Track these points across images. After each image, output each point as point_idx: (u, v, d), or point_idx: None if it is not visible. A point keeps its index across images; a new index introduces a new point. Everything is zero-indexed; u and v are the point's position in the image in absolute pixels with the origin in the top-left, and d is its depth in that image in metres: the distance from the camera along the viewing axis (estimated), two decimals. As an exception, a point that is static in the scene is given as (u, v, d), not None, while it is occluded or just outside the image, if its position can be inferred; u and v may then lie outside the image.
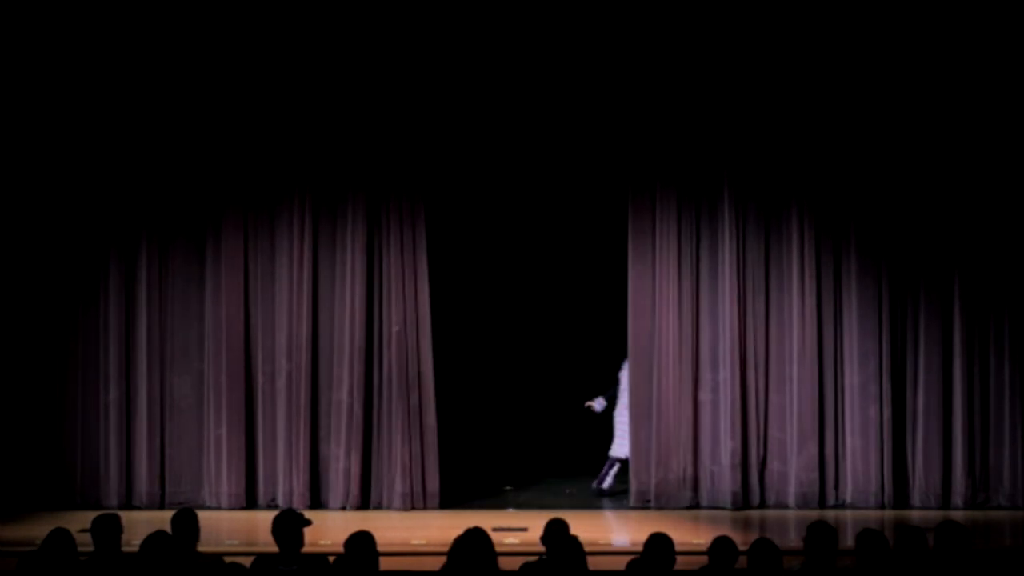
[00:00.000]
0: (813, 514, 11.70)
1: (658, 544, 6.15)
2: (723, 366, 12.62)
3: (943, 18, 12.33)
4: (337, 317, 12.63)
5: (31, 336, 12.60)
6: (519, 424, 15.33)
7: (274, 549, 6.73)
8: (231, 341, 12.58)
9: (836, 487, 12.64)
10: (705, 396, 12.70)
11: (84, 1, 12.29)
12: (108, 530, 6.68)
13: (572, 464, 14.36)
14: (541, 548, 6.71)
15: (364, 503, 12.47)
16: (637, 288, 12.74)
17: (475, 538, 5.84)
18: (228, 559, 6.35)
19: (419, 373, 12.54)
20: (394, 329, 12.53)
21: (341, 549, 6.26)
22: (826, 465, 12.61)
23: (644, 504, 12.59)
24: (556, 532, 6.68)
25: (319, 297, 12.70)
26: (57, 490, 12.44)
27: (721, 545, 6.23)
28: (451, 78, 12.61)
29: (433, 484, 12.54)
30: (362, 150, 12.69)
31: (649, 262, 12.72)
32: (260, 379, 12.65)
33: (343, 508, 12.42)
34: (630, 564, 6.25)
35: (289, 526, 6.68)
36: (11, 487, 12.32)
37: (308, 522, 6.80)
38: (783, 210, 12.78)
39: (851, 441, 12.62)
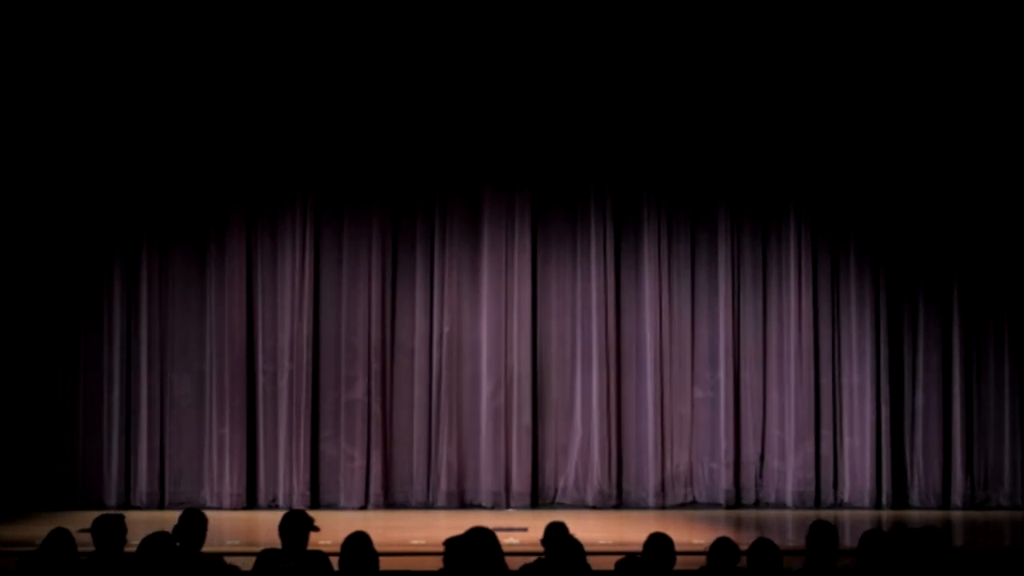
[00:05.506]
0: (811, 513, 11.72)
1: (658, 544, 6.13)
2: (720, 365, 12.67)
3: (941, 19, 12.34)
4: (347, 317, 12.68)
5: (34, 336, 12.62)
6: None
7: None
8: (233, 340, 12.61)
9: (835, 486, 12.66)
10: (702, 395, 12.74)
11: (87, 3, 12.31)
12: (111, 532, 6.65)
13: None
14: (541, 549, 6.70)
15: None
16: (635, 288, 12.80)
17: (480, 538, 5.72)
18: (228, 559, 6.34)
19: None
20: (445, 329, 12.63)
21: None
22: (824, 464, 12.64)
23: (641, 503, 12.64)
24: (556, 535, 6.66)
25: (321, 297, 12.74)
26: (57, 490, 12.45)
27: (721, 547, 6.20)
28: (455, 82, 12.66)
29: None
30: (365, 151, 12.73)
31: (647, 264, 12.77)
32: (262, 379, 12.67)
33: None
34: (618, 564, 6.19)
35: (295, 527, 6.65)
36: (11, 487, 12.33)
37: (316, 528, 6.74)
38: (781, 212, 12.81)
39: (849, 440, 12.65)
